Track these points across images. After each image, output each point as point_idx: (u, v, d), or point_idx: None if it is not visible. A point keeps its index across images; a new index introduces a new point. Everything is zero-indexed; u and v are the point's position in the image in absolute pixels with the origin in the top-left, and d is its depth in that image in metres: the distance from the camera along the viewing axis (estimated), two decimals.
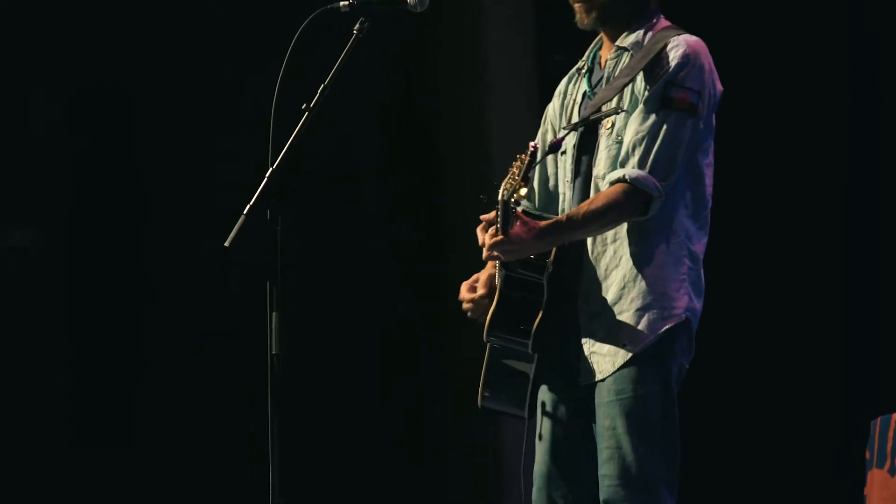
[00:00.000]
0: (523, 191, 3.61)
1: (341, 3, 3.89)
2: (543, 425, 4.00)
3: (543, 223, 3.77)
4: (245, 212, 3.71)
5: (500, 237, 3.69)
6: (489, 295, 3.99)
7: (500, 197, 3.67)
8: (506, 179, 3.66)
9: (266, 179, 3.74)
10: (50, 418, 6.52)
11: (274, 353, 3.74)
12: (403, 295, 6.63)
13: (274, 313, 3.73)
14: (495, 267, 4.00)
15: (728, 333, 5.88)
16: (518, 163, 3.64)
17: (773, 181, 6.15)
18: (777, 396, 6.16)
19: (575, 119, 4.00)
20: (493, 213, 3.75)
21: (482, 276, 4.05)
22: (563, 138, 3.90)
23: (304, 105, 3.80)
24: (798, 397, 6.13)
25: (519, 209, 3.74)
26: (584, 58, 4.10)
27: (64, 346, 6.59)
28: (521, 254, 3.78)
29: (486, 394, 3.96)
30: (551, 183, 4.11)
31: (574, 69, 4.13)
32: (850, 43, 6.05)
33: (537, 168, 4.12)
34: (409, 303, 6.59)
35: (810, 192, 6.11)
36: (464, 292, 4.04)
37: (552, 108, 4.15)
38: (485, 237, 3.74)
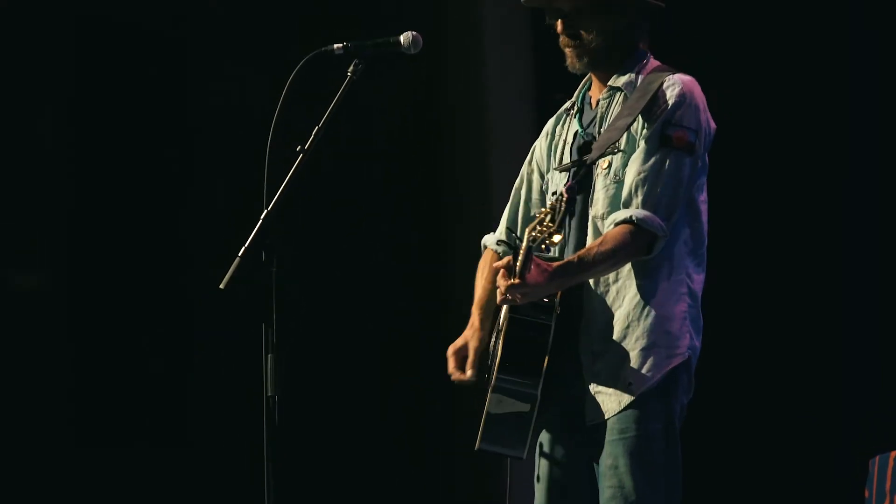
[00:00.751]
0: (557, 237, 3.65)
1: (335, 46, 3.91)
2: (541, 466, 4.01)
3: (556, 265, 3.79)
4: (240, 254, 3.72)
5: (516, 281, 3.71)
6: (479, 373, 4.01)
7: (525, 242, 3.69)
8: (531, 226, 3.68)
9: (261, 221, 3.75)
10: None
11: (270, 394, 3.74)
12: (405, 304, 6.62)
13: (269, 355, 3.73)
14: (482, 328, 4.04)
15: (727, 341, 5.89)
16: (547, 209, 3.67)
17: (773, 185, 6.15)
18: (775, 411, 6.15)
19: (566, 159, 4.03)
20: (506, 260, 3.77)
21: (471, 346, 4.06)
22: (577, 180, 3.90)
23: (299, 147, 3.81)
24: (798, 424, 6.12)
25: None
26: (573, 98, 4.13)
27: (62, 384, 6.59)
28: (535, 297, 3.80)
29: (486, 436, 3.95)
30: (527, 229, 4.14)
31: (562, 109, 4.16)
32: (849, 44, 6.06)
33: (520, 210, 4.16)
34: (411, 316, 6.58)
35: (810, 196, 6.11)
36: (452, 365, 4.05)
37: (538, 149, 4.18)
38: (502, 283, 3.75)
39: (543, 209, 3.69)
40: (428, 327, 6.40)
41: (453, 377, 4.05)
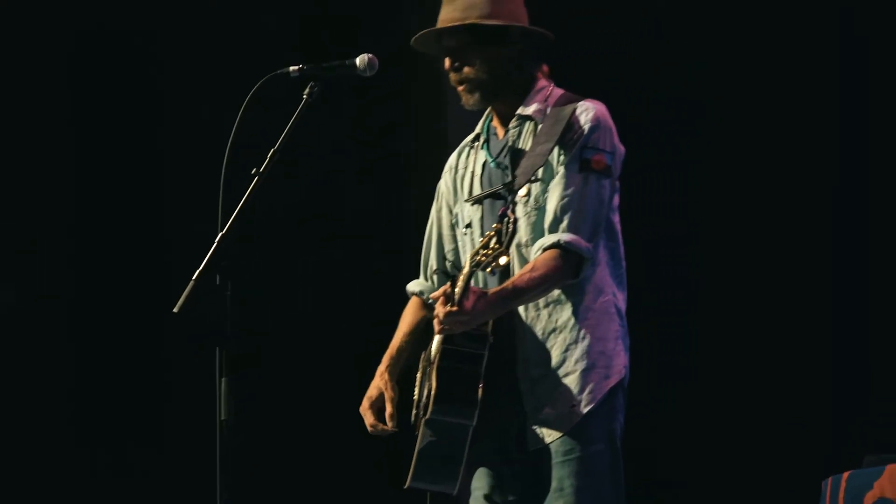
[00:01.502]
0: (503, 259, 3.65)
1: (291, 69, 3.91)
2: (475, 498, 4.02)
3: (492, 292, 3.81)
4: (194, 277, 3.70)
5: (453, 308, 3.71)
6: (398, 424, 4.02)
7: (467, 268, 3.69)
8: (474, 251, 3.69)
9: (215, 244, 3.73)
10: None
11: (223, 418, 3.72)
12: (364, 328, 6.60)
13: (223, 379, 3.71)
14: (392, 376, 4.05)
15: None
16: (491, 233, 3.67)
17: (764, 189, 6.17)
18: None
19: (476, 190, 4.06)
20: (444, 288, 3.77)
21: (387, 396, 4.06)
22: (508, 207, 3.91)
23: (254, 170, 3.80)
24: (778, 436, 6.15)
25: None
26: (477, 129, 4.15)
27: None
28: (471, 325, 3.82)
29: (417, 473, 3.93)
30: (450, 258, 4.16)
31: (463, 143, 4.19)
32: (839, 49, 6.10)
33: (433, 250, 4.19)
34: (370, 339, 6.57)
35: (800, 201, 6.13)
36: (371, 418, 4.06)
37: (444, 185, 4.21)
38: (441, 310, 3.75)
39: (488, 233, 3.69)
40: (384, 350, 6.39)
41: (375, 431, 4.05)
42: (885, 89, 6.02)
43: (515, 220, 3.64)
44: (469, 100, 4.02)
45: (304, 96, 3.88)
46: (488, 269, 3.68)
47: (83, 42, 6.70)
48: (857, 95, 6.07)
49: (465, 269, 3.71)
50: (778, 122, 6.15)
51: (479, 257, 3.66)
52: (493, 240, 3.64)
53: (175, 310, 3.68)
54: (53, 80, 6.67)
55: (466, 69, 3.99)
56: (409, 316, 4.21)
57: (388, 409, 4.05)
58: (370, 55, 3.94)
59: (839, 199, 6.09)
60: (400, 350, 4.14)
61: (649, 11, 6.18)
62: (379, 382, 4.09)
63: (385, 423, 4.05)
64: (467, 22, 3.96)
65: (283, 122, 3.86)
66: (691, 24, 6.11)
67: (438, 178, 4.27)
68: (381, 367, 4.12)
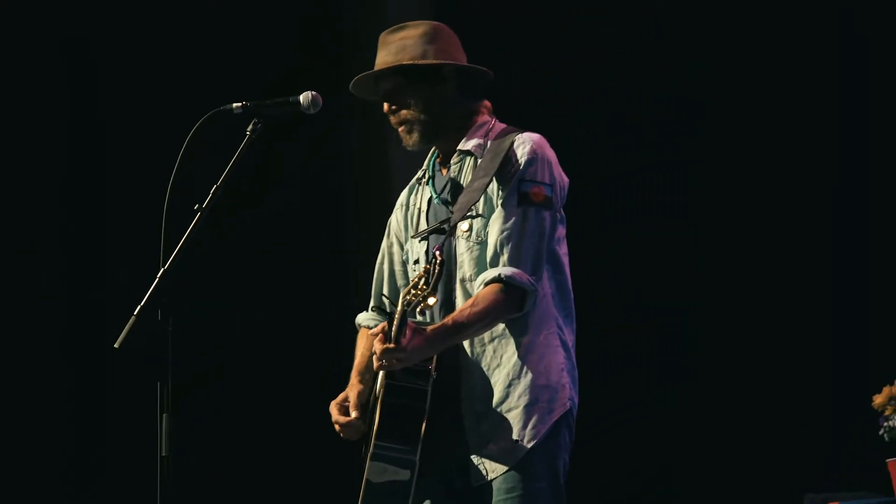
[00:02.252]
0: (431, 300, 3.65)
1: (234, 105, 3.92)
2: None
3: (430, 329, 3.82)
4: (136, 312, 3.69)
5: (391, 345, 3.72)
6: (363, 415, 4.01)
7: (399, 307, 3.71)
8: (405, 290, 3.70)
9: (157, 280, 3.73)
10: None
11: (164, 454, 3.70)
12: (304, 364, 6.59)
13: (164, 414, 3.70)
14: (362, 383, 4.04)
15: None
16: (421, 272, 3.68)
17: (762, 192, 6.22)
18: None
19: (423, 226, 4.08)
20: (382, 326, 3.79)
21: (351, 396, 4.06)
22: (444, 242, 3.94)
23: (197, 206, 3.80)
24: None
25: (411, 320, 3.78)
26: (423, 167, 4.18)
27: None
28: (411, 361, 3.82)
29: None
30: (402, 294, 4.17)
31: (413, 179, 4.21)
32: (839, 50, 6.16)
33: (385, 283, 4.21)
34: (311, 376, 6.57)
35: (799, 207, 6.19)
36: (335, 414, 4.05)
37: (395, 220, 4.22)
38: (379, 347, 3.76)
39: (418, 272, 3.71)
40: (327, 385, 6.38)
41: (340, 422, 4.03)
42: (885, 89, 6.09)
43: (443, 262, 3.64)
44: (409, 140, 4.05)
45: (248, 133, 3.89)
46: (418, 309, 3.70)
47: (36, 66, 6.69)
48: (857, 96, 6.13)
49: (399, 308, 3.73)
50: (776, 125, 6.22)
51: (409, 297, 3.68)
52: (422, 280, 3.66)
53: (116, 345, 3.67)
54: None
55: (404, 111, 4.02)
56: (359, 353, 4.21)
57: (352, 401, 4.03)
58: (314, 93, 3.95)
59: (839, 208, 6.14)
60: (366, 367, 4.12)
61: (648, 12, 6.24)
62: (350, 390, 4.08)
63: (346, 415, 4.02)
64: (399, 63, 4.00)
65: (225, 158, 3.86)
66: (689, 26, 6.17)
67: (382, 210, 4.29)
68: (351, 380, 4.11)
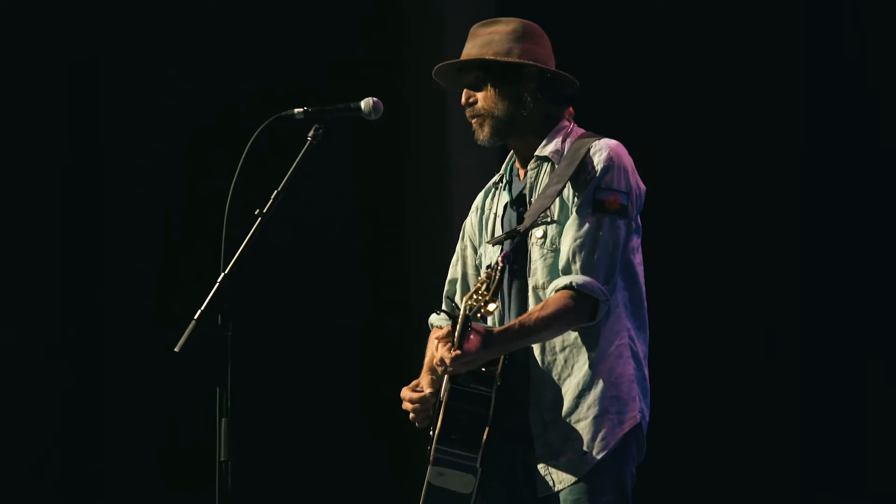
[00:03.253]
0: (492, 306, 3.65)
1: (296, 111, 3.92)
2: None
3: (496, 330, 3.79)
4: (195, 317, 3.70)
5: (456, 352, 3.71)
6: (435, 395, 3.99)
7: (462, 312, 3.69)
8: (468, 295, 3.70)
9: (217, 284, 3.74)
10: None
11: (223, 459, 3.71)
12: (364, 369, 6.59)
13: (223, 419, 3.71)
14: (433, 376, 4.03)
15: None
16: (484, 277, 3.68)
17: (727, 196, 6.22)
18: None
19: (498, 231, 4.06)
20: (446, 329, 3.78)
21: (423, 382, 4.06)
22: (512, 249, 3.92)
23: (257, 211, 3.80)
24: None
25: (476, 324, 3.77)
26: (500, 171, 4.16)
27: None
28: (475, 365, 3.80)
29: None
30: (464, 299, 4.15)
31: (490, 183, 4.19)
32: (807, 49, 6.15)
33: (458, 286, 4.19)
34: (370, 381, 6.57)
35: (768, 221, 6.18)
36: (407, 393, 4.03)
37: (469, 224, 4.21)
38: (442, 352, 3.75)
39: (480, 278, 3.70)
40: (384, 389, 6.39)
41: (414, 399, 4.00)
42: (885, 90, 6.05)
43: (504, 269, 3.64)
44: (480, 134, 4.03)
45: (309, 138, 3.89)
46: (478, 315, 3.68)
47: (75, 72, 6.72)
48: (825, 94, 6.11)
49: (461, 313, 3.71)
50: (777, 132, 6.20)
51: (471, 302, 3.67)
52: (483, 286, 3.65)
53: (176, 349, 3.68)
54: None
55: (479, 105, 4.01)
56: (431, 348, 4.19)
57: (426, 389, 4.01)
58: (375, 98, 3.95)
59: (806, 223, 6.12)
60: (431, 375, 4.12)
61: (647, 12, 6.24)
62: (423, 377, 4.08)
63: (420, 392, 4.01)
64: (481, 58, 3.98)
65: (286, 164, 3.87)
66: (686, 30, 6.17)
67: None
68: (423, 374, 4.10)
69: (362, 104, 3.95)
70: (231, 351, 3.71)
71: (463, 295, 4.16)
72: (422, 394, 4.01)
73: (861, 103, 6.07)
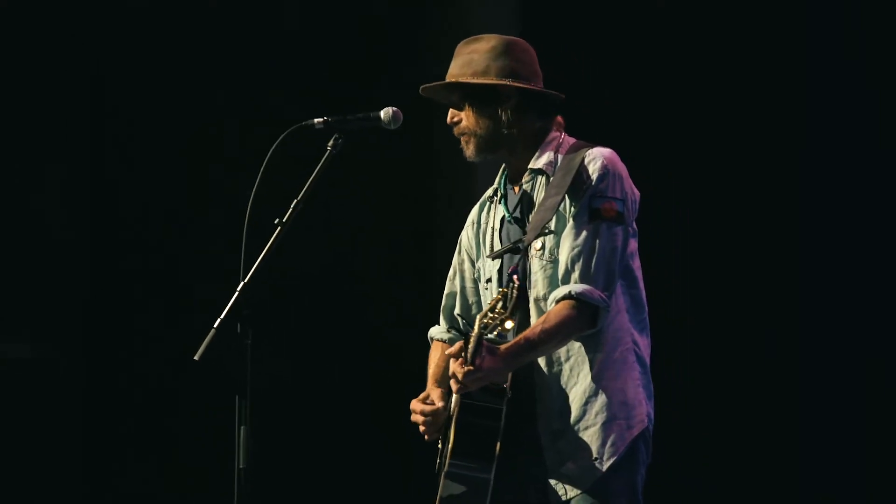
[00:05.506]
0: (509, 324, 3.67)
1: (316, 120, 3.93)
2: None
3: (504, 347, 3.81)
4: (215, 325, 3.71)
5: (470, 368, 3.72)
6: (446, 408, 4.01)
7: (476, 329, 3.71)
8: (482, 313, 3.72)
9: (237, 293, 3.75)
10: None
11: (241, 466, 3.72)
12: (382, 378, 6.59)
13: (242, 427, 3.72)
14: (441, 387, 4.04)
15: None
16: (499, 296, 3.69)
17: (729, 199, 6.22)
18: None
19: (497, 245, 4.07)
20: (458, 346, 3.79)
21: (433, 394, 4.07)
22: (518, 263, 3.93)
23: (277, 220, 3.82)
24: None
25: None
26: (494, 184, 4.16)
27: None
28: (487, 381, 3.82)
29: None
30: (473, 311, 4.17)
31: (484, 197, 4.20)
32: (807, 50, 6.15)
33: (458, 300, 4.21)
34: (388, 390, 6.57)
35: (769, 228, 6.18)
36: (419, 407, 4.04)
37: (466, 238, 4.22)
38: (454, 367, 3.76)
39: (495, 296, 3.72)
40: (402, 399, 6.39)
41: (426, 412, 4.01)
42: (885, 90, 6.05)
43: (520, 286, 3.66)
44: (467, 151, 4.05)
45: (329, 148, 3.91)
46: (494, 333, 3.70)
47: (97, 90, 6.76)
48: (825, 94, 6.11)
49: (475, 331, 3.73)
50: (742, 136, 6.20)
51: (486, 320, 3.70)
52: (499, 304, 3.68)
53: (196, 357, 3.69)
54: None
55: (463, 123, 4.03)
56: (435, 357, 4.21)
57: (437, 402, 4.01)
58: (395, 108, 3.97)
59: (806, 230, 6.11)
60: (443, 377, 4.12)
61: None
62: (431, 389, 4.09)
63: (431, 405, 4.01)
64: (458, 80, 4.00)
65: (305, 173, 3.88)
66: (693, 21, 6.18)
67: (463, 223, 4.29)
68: (428, 387, 4.11)
69: (382, 114, 3.96)
70: (250, 359, 3.72)
71: (461, 308, 4.19)
72: (434, 406, 4.02)
73: (861, 103, 6.07)
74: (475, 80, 3.98)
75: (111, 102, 6.74)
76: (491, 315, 3.68)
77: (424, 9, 6.68)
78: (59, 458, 6.62)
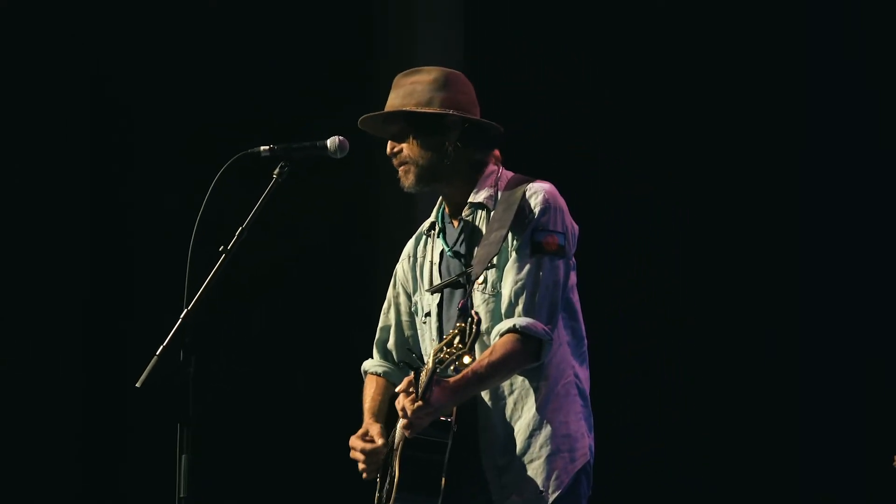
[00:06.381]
0: (467, 359, 3.67)
1: (262, 148, 3.92)
2: None
3: (453, 381, 3.80)
4: (157, 353, 3.69)
5: (420, 403, 3.72)
6: (386, 444, 4.00)
7: (430, 364, 3.70)
8: (437, 347, 3.72)
9: (180, 320, 3.73)
10: None
11: (182, 496, 3.70)
12: (325, 408, 6.57)
13: (184, 456, 3.69)
14: (378, 423, 4.03)
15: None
16: (456, 331, 3.69)
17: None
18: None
19: (436, 279, 4.06)
20: (406, 382, 3.78)
21: (372, 430, 4.05)
22: (468, 300, 3.93)
23: (221, 247, 3.80)
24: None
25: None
26: (431, 217, 4.16)
27: None
28: (436, 416, 3.81)
29: None
30: (409, 345, 4.17)
31: (420, 230, 4.19)
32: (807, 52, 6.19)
33: (392, 333, 4.20)
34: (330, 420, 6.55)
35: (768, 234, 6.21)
36: (360, 444, 4.03)
37: (402, 271, 4.21)
38: (404, 402, 3.75)
39: (452, 331, 3.72)
40: (349, 428, 6.37)
41: (366, 450, 3.99)
42: (885, 90, 6.10)
43: (479, 321, 3.67)
44: (405, 182, 4.05)
45: (275, 176, 3.90)
46: (451, 368, 3.69)
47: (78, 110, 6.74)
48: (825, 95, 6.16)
49: (429, 366, 3.72)
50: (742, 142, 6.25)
51: (442, 354, 3.69)
52: (457, 338, 3.67)
53: (138, 385, 3.67)
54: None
55: (404, 153, 4.03)
56: (370, 390, 4.20)
57: (378, 440, 4.00)
58: (341, 137, 3.96)
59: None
60: (379, 410, 4.11)
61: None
62: (370, 424, 4.07)
63: (371, 442, 4.00)
64: (402, 109, 4.00)
65: (251, 200, 3.87)
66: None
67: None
68: (366, 421, 4.10)
69: (328, 143, 3.96)
70: (192, 387, 3.70)
71: (396, 342, 4.18)
72: (374, 445, 4.01)
73: (861, 103, 6.11)
74: (422, 110, 3.99)
75: (111, 102, 6.72)
76: (448, 350, 3.68)
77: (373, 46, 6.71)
78: (59, 457, 6.56)
